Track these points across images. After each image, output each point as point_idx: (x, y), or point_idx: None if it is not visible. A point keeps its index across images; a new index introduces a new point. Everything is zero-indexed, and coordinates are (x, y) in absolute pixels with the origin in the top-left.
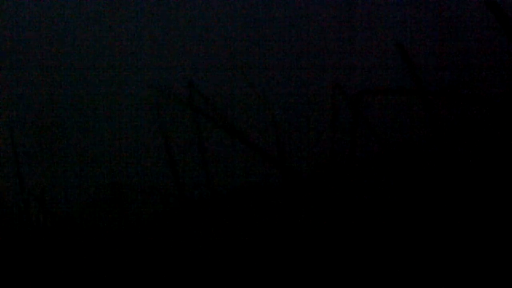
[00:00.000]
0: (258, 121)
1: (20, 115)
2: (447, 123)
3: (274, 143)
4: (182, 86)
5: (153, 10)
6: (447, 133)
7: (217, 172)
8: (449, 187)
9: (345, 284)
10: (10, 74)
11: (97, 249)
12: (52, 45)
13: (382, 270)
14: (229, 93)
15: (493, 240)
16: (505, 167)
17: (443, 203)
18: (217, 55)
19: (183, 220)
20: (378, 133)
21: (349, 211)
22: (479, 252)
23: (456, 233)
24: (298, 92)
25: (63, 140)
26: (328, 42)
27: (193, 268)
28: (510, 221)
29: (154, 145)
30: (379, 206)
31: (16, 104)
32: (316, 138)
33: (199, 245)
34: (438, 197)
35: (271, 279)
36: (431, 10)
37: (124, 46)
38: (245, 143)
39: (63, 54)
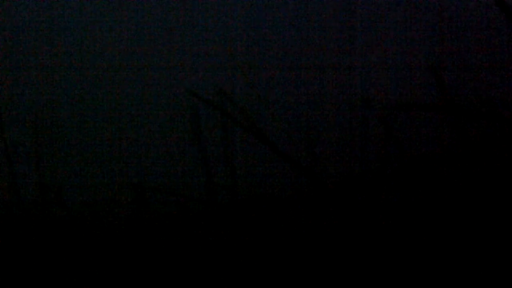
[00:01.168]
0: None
1: (20, 115)
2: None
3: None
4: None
5: (153, 10)
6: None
7: (244, 177)
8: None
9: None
10: (10, 74)
11: (109, 247)
12: (52, 45)
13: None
14: (229, 91)
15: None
16: None
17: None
18: (217, 55)
19: (207, 223)
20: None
21: (369, 221)
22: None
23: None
24: (298, 92)
25: (79, 139)
26: (328, 42)
27: (204, 270)
28: None
29: (178, 147)
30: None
31: (16, 104)
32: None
33: (216, 249)
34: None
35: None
36: (431, 10)
37: (124, 46)
38: (275, 152)
39: (63, 54)
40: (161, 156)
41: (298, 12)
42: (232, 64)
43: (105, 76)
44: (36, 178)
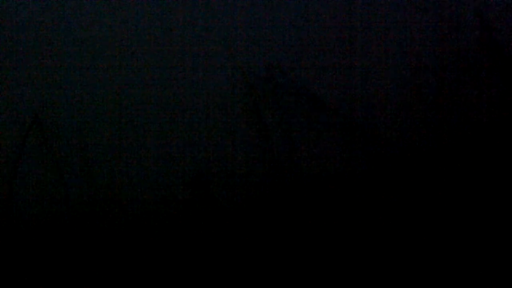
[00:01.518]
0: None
1: (20, 115)
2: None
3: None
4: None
5: (153, 10)
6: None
7: (303, 157)
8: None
9: None
10: (10, 74)
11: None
12: (52, 45)
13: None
14: (229, 93)
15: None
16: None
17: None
18: (217, 54)
19: (274, 205)
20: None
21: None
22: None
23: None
24: (298, 92)
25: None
26: (328, 42)
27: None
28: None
29: (237, 132)
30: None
31: (16, 104)
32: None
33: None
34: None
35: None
36: (431, 10)
37: (124, 46)
38: (334, 121)
39: (63, 54)
40: (220, 142)
41: (298, 12)
42: (232, 64)
43: (105, 76)
44: (86, 177)
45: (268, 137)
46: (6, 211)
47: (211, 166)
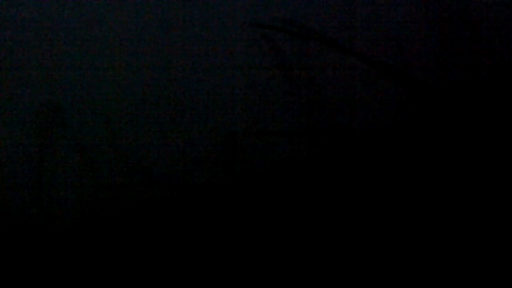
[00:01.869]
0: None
1: (20, 115)
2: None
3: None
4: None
5: (153, 10)
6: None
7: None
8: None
9: None
10: (10, 74)
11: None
12: (52, 45)
13: None
14: (230, 92)
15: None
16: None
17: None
18: (217, 55)
19: (311, 163)
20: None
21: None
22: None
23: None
24: (298, 92)
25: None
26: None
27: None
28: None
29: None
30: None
31: (16, 104)
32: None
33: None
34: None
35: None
36: (431, 10)
37: (124, 46)
38: (366, 62)
39: (63, 54)
40: (248, 101)
41: (298, 12)
42: (232, 64)
43: (104, 76)
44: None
45: (299, 91)
46: (36, 208)
47: (242, 126)
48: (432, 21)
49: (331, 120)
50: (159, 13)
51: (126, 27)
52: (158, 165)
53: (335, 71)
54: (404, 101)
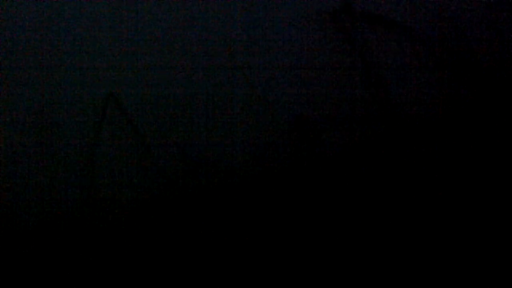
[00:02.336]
0: (258, 121)
1: (20, 115)
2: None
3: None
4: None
5: (153, 10)
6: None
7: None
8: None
9: None
10: (10, 74)
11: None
12: (52, 45)
13: None
14: (229, 93)
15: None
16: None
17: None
18: (217, 55)
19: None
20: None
21: None
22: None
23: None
24: (298, 92)
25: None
26: (328, 42)
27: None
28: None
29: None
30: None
31: (16, 104)
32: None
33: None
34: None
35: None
36: (431, 10)
37: (124, 46)
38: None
39: (63, 54)
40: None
41: (298, 12)
42: (232, 64)
43: (104, 76)
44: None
45: (369, 76)
46: (88, 196)
47: (313, 109)
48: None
49: (394, 106)
50: (159, 13)
51: (126, 27)
52: (221, 153)
53: (397, 56)
54: (465, 91)
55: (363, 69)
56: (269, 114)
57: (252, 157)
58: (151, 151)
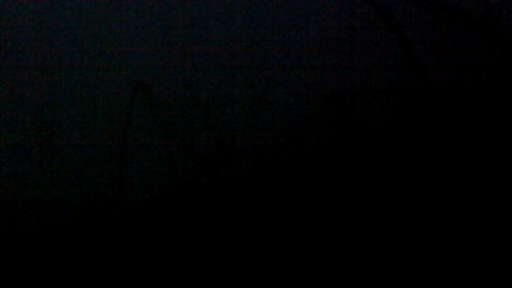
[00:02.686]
0: (258, 122)
1: (20, 115)
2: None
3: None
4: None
5: (153, 10)
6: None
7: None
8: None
9: None
10: (10, 74)
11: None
12: (52, 45)
13: None
14: (229, 93)
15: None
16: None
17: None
18: (217, 55)
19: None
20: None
21: None
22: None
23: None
24: (298, 93)
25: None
26: (328, 42)
27: None
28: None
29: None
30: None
31: (16, 104)
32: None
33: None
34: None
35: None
36: (431, 10)
37: (124, 46)
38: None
39: (63, 54)
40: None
41: (298, 12)
42: (232, 64)
43: (104, 76)
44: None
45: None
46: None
47: (351, 85)
48: (432, 21)
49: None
50: (159, 13)
51: (126, 27)
52: (250, 138)
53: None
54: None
55: (401, 46)
56: (305, 92)
57: (288, 139)
58: (185, 140)
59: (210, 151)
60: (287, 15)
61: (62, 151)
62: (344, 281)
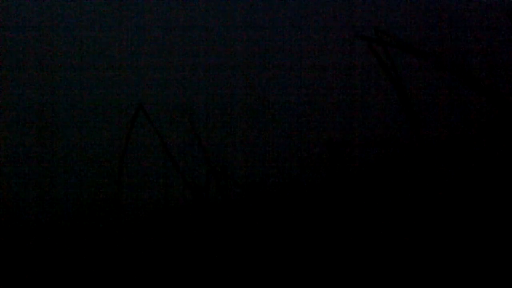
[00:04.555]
0: (258, 121)
1: (20, 115)
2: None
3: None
4: None
5: (153, 10)
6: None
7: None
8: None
9: None
10: (10, 74)
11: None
12: (52, 45)
13: None
14: (229, 93)
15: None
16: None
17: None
18: (217, 55)
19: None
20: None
21: None
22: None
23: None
24: (298, 93)
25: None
26: (328, 43)
27: None
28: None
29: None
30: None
31: (16, 104)
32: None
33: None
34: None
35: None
36: (431, 10)
37: (124, 46)
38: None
39: (63, 54)
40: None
41: (298, 12)
42: (232, 64)
43: (104, 76)
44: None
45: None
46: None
47: (345, 133)
48: (432, 21)
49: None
50: (159, 13)
51: (126, 27)
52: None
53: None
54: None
55: (396, 92)
56: (301, 137)
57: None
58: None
59: (200, 175)
60: (283, 77)
61: (62, 151)
62: None
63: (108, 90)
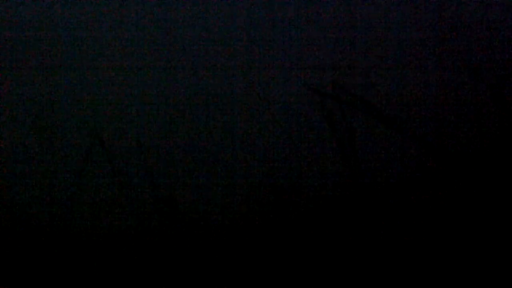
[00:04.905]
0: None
1: (20, 115)
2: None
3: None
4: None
5: (153, 10)
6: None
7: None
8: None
9: None
10: (10, 74)
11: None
12: (52, 45)
13: None
14: (229, 93)
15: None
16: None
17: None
18: (217, 55)
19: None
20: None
21: None
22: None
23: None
24: (298, 92)
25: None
26: (328, 42)
27: None
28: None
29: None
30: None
31: (16, 104)
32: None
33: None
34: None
35: None
36: (431, 10)
37: (124, 46)
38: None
39: (63, 54)
40: (292, 156)
41: (298, 12)
42: (232, 64)
43: (105, 76)
44: (151, 192)
45: (343, 148)
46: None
47: (285, 178)
48: (432, 21)
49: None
50: (159, 13)
51: (126, 27)
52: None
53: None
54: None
55: (342, 152)
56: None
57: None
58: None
59: (149, 206)
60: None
61: (62, 151)
62: None
63: (108, 90)
